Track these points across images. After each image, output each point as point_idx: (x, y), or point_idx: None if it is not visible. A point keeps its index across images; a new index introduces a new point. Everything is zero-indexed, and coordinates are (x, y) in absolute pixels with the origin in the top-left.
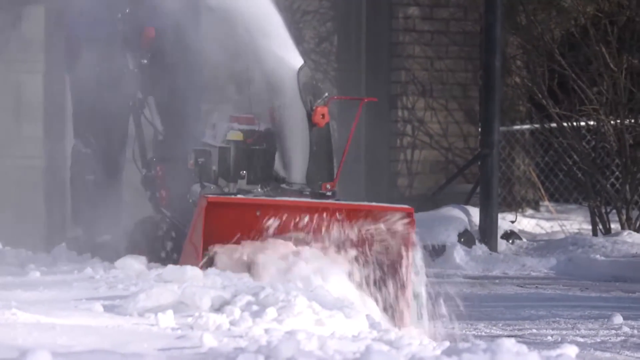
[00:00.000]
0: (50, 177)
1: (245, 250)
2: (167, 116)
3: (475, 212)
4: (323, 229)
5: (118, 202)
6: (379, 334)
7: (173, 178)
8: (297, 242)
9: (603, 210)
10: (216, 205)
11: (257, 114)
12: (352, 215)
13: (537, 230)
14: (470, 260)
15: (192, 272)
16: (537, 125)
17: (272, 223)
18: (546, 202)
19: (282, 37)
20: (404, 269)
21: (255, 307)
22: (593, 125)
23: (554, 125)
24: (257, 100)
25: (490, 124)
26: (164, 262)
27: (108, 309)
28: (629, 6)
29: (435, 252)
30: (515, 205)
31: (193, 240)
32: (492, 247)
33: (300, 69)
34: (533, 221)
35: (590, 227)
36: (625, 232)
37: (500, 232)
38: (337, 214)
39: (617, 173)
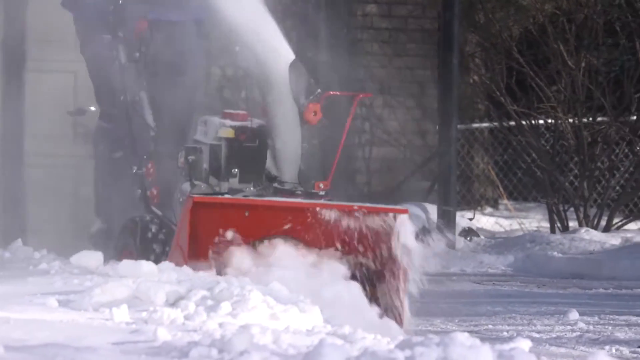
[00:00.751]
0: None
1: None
2: (159, 112)
3: (433, 210)
4: (314, 230)
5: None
6: (333, 328)
7: (165, 176)
8: (287, 243)
9: (561, 208)
10: (202, 205)
11: (250, 110)
12: (345, 216)
13: (496, 229)
14: (427, 257)
15: (147, 267)
16: (495, 124)
17: (262, 224)
18: (505, 201)
19: (271, 31)
20: (398, 270)
21: (210, 302)
22: (551, 123)
23: (512, 123)
24: (248, 96)
25: (448, 122)
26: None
27: (63, 303)
28: (587, 4)
29: None
30: (474, 203)
31: (179, 242)
32: (450, 244)
33: (292, 64)
34: (492, 219)
35: (548, 225)
36: (583, 230)
37: (458, 230)
38: (329, 214)
39: (575, 171)
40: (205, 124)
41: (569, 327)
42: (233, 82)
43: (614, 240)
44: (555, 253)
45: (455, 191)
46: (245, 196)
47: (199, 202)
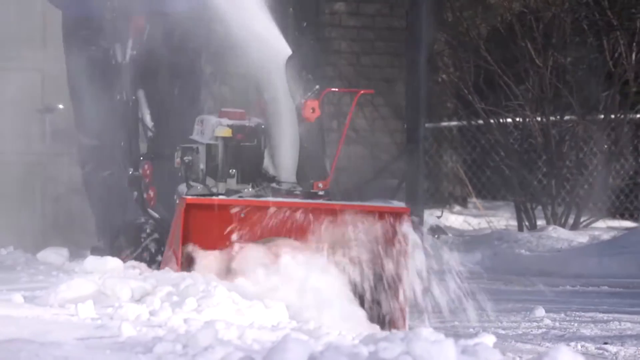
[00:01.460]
0: None
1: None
2: (156, 111)
3: None
4: (313, 231)
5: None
6: (298, 324)
7: (162, 177)
8: (285, 244)
9: (529, 206)
10: (195, 207)
11: (247, 108)
12: (345, 216)
13: (465, 227)
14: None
15: (113, 263)
16: (464, 122)
17: (258, 225)
18: (474, 199)
19: (267, 25)
20: (400, 271)
21: (175, 298)
22: (519, 121)
23: (481, 122)
24: (245, 94)
25: (416, 120)
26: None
27: (28, 299)
28: (555, 2)
29: None
30: (443, 201)
31: (172, 245)
32: None
33: (289, 59)
34: (461, 218)
35: (516, 223)
36: (551, 227)
37: (425, 227)
38: (329, 214)
39: (543, 169)
40: (202, 123)
41: (534, 324)
42: (229, 79)
43: (581, 238)
44: (522, 251)
45: (423, 189)
46: (242, 197)
47: (192, 204)
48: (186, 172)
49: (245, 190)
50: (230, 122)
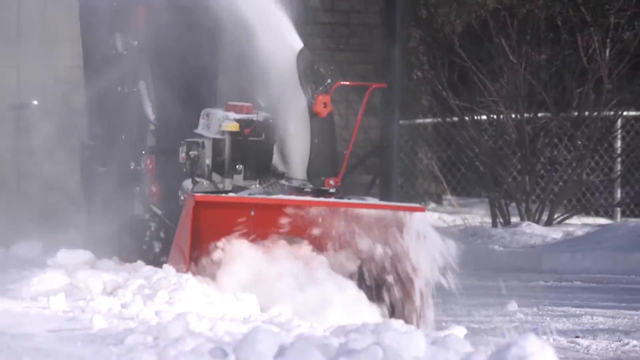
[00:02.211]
0: None
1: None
2: (159, 103)
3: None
4: (322, 229)
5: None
6: (270, 317)
7: (165, 172)
8: (297, 243)
9: (503, 202)
10: (205, 204)
11: (255, 102)
12: (361, 215)
13: (440, 224)
14: None
15: (85, 256)
16: (439, 119)
17: (268, 224)
18: (449, 196)
19: (278, 18)
20: (416, 268)
21: (147, 291)
22: (493, 118)
23: (455, 119)
24: (253, 87)
25: (391, 116)
26: (154, 265)
27: (1, 292)
28: None
29: None
30: (417, 199)
31: (180, 242)
32: None
33: (300, 52)
34: (435, 214)
35: (491, 220)
36: (525, 223)
37: None
38: (343, 213)
39: (518, 166)
40: (208, 117)
41: (507, 318)
42: (237, 72)
43: (555, 234)
44: (496, 247)
45: (397, 185)
46: (250, 194)
47: (202, 201)
48: (191, 168)
49: (253, 186)
50: (238, 116)
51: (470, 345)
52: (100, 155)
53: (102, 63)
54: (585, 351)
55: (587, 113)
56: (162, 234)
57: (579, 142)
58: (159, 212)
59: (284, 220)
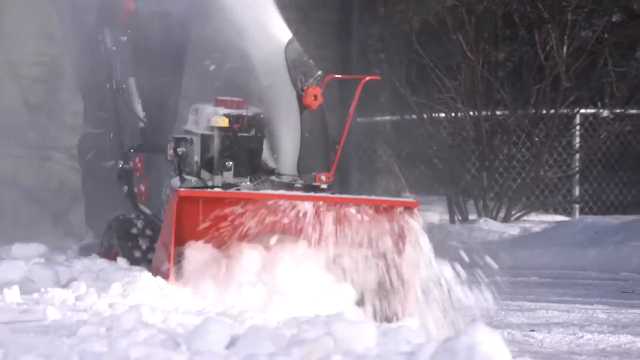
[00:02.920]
0: None
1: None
2: (149, 101)
3: None
4: (313, 226)
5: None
6: (224, 309)
7: (154, 171)
8: (284, 240)
9: (460, 199)
10: (189, 200)
11: (245, 96)
12: (352, 209)
13: None
14: None
15: (40, 249)
16: (397, 117)
17: (256, 220)
18: (407, 194)
19: (266, 7)
20: (409, 264)
21: (101, 283)
22: (452, 115)
23: (414, 116)
24: (241, 81)
25: (348, 113)
26: (142, 265)
27: None
28: None
29: None
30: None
31: (164, 240)
32: None
33: (289, 43)
34: None
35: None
36: (482, 220)
37: None
38: (332, 208)
39: (477, 163)
40: (196, 112)
41: (462, 312)
42: (225, 65)
43: (512, 230)
44: (454, 242)
45: (356, 183)
46: (239, 191)
47: (185, 196)
48: (179, 165)
49: (243, 183)
50: (227, 111)
51: (421, 337)
52: (99, 144)
53: (88, 57)
54: (540, 344)
55: (544, 110)
56: (150, 235)
57: (537, 139)
58: (147, 211)
59: (274, 216)
